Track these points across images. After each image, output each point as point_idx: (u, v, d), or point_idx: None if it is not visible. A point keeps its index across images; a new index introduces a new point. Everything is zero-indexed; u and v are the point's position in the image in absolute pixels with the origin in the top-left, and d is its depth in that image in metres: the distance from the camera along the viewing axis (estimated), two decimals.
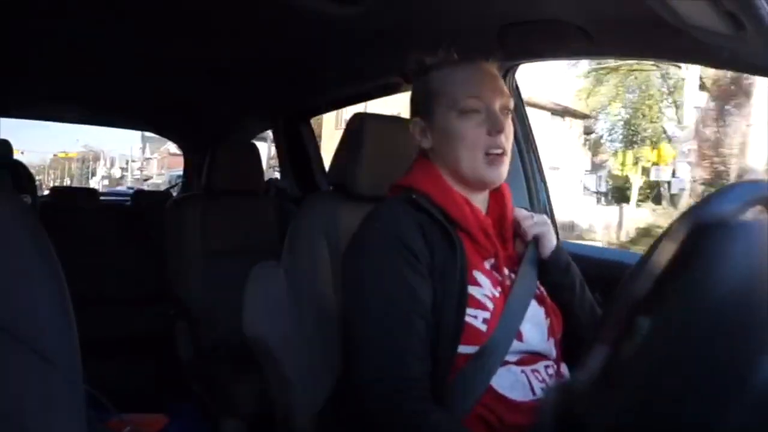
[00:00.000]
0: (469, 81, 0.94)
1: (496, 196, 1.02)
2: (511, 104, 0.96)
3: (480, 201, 0.99)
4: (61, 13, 1.45)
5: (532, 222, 1.00)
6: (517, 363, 0.89)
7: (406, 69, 1.02)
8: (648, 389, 0.45)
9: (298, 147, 2.57)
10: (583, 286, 1.03)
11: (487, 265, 0.94)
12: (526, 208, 1.16)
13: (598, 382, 0.58)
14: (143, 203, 3.24)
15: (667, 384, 0.44)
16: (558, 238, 1.05)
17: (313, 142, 2.59)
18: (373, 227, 0.93)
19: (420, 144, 0.99)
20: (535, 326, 0.92)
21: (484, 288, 0.91)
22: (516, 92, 1.57)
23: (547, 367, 0.92)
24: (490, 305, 0.89)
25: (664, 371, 0.45)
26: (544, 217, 1.03)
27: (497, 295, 0.91)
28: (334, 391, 1.01)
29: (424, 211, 0.93)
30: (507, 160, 0.95)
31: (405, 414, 0.80)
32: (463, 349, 0.86)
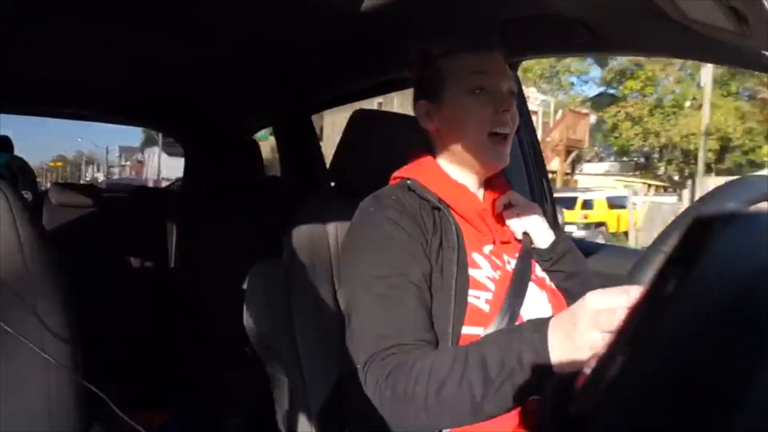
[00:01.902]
0: (479, 63, 0.96)
1: (492, 183, 1.04)
2: (516, 88, 0.99)
3: (476, 188, 1.01)
4: (62, 10, 1.44)
5: (515, 221, 1.01)
6: None
7: (410, 57, 1.03)
8: (651, 388, 0.45)
9: (299, 144, 2.56)
10: (588, 275, 1.03)
11: (486, 249, 0.96)
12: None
13: (600, 379, 0.58)
14: (144, 200, 3.24)
15: (671, 382, 0.43)
16: (558, 226, 1.05)
17: (314, 139, 2.59)
18: (365, 211, 0.95)
19: (424, 126, 1.01)
20: (536, 312, 0.93)
21: (484, 270, 0.92)
22: (517, 86, 1.57)
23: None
24: (491, 286, 0.91)
25: (669, 369, 0.44)
26: (532, 210, 1.03)
27: (497, 277, 0.92)
28: (336, 388, 1.01)
29: (419, 196, 0.94)
30: (510, 144, 0.97)
31: (409, 369, 0.75)
32: (467, 330, 0.87)
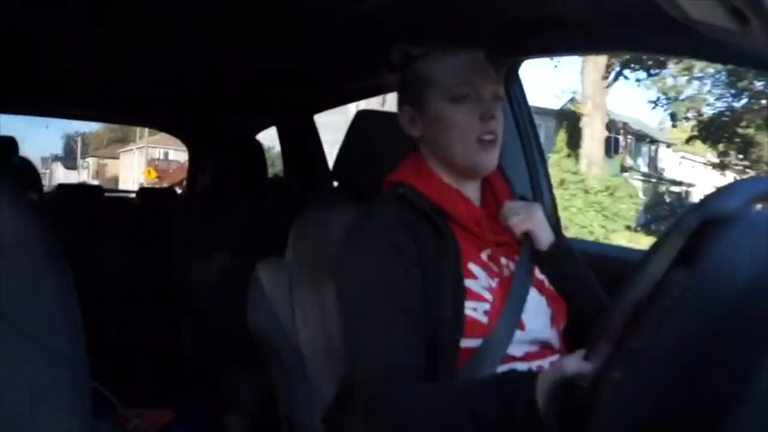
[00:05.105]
0: (461, 68, 0.93)
1: (489, 185, 1.01)
2: (501, 92, 0.96)
3: (472, 191, 0.98)
4: (65, 11, 1.45)
5: (517, 220, 0.97)
6: (523, 359, 0.88)
7: (391, 59, 1.00)
8: (653, 387, 0.45)
9: (302, 144, 2.57)
10: (589, 277, 1.01)
11: (483, 256, 0.93)
12: (524, 197, 1.14)
13: (602, 380, 0.58)
14: (149, 200, 3.25)
15: (672, 382, 0.43)
16: (558, 228, 1.04)
17: (316, 139, 2.59)
18: (358, 225, 0.94)
19: (409, 133, 0.98)
20: (536, 315, 0.92)
21: (480, 280, 0.90)
22: (518, 85, 1.58)
23: (554, 362, 0.91)
24: (488, 296, 0.89)
25: (669, 370, 0.44)
26: (534, 209, 1.00)
27: (495, 286, 0.90)
28: (339, 388, 1.01)
29: (413, 205, 0.92)
30: (498, 147, 0.94)
31: (396, 404, 0.79)
32: (466, 342, 0.86)
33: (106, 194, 3.41)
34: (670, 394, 0.43)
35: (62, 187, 3.23)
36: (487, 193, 1.01)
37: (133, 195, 3.57)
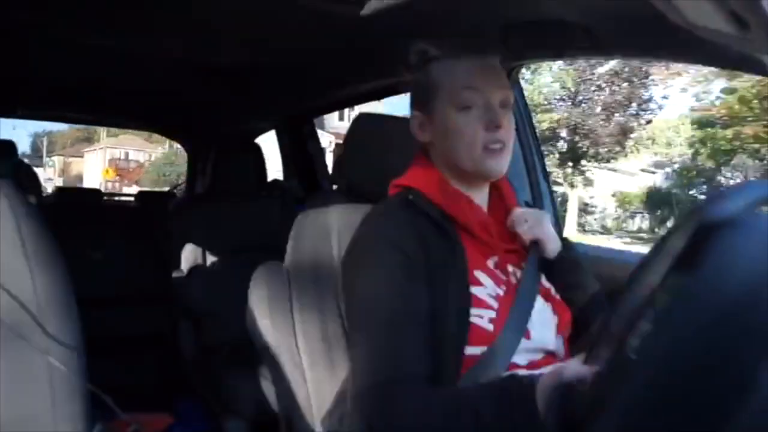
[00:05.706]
0: (469, 74, 0.92)
1: (498, 192, 1.01)
2: (512, 98, 0.95)
3: (481, 198, 0.98)
4: (64, 13, 1.45)
5: (526, 227, 0.97)
6: (527, 367, 0.88)
7: (409, 59, 1.00)
8: (652, 392, 0.45)
9: (301, 147, 2.57)
10: (594, 285, 1.01)
11: (490, 263, 0.93)
12: (528, 203, 1.14)
13: (602, 383, 0.58)
14: (148, 203, 3.25)
15: (671, 386, 0.43)
16: (562, 234, 1.03)
17: (316, 142, 2.60)
18: (366, 230, 0.93)
19: (419, 138, 0.98)
20: (542, 323, 0.91)
21: (487, 287, 0.89)
22: (518, 89, 1.58)
23: (554, 367, 0.90)
24: (495, 304, 0.88)
25: (668, 373, 0.44)
26: (542, 217, 1.00)
27: (501, 293, 0.90)
28: (340, 394, 1.01)
29: (421, 211, 0.92)
30: (507, 154, 0.93)
31: (398, 409, 0.79)
32: (470, 350, 0.85)
33: (105, 197, 3.41)
34: (669, 398, 0.43)
35: (61, 191, 3.23)
36: (494, 199, 1.00)
37: (132, 198, 3.57)
